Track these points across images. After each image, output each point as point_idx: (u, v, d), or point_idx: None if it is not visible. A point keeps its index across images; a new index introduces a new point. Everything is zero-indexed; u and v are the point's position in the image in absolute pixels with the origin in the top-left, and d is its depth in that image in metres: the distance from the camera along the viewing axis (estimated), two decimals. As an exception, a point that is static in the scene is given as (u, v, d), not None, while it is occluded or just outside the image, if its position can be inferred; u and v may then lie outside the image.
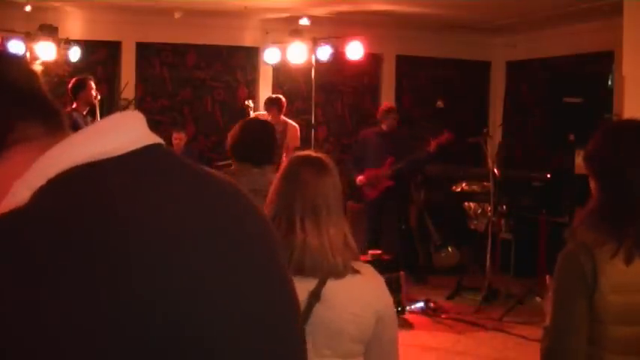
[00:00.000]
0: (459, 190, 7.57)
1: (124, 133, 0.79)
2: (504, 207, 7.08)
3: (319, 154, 2.18)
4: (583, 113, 7.73)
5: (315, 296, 1.95)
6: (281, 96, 7.26)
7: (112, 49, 8.71)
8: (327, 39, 8.16)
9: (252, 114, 7.56)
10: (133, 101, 8.55)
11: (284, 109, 7.20)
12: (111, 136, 0.78)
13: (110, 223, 0.69)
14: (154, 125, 0.85)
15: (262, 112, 7.32)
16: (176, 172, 0.81)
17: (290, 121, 7.50)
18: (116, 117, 0.82)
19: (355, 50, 8.17)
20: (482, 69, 10.29)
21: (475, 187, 7.56)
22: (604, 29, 7.52)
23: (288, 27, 8.50)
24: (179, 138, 7.88)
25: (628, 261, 1.93)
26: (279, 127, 6.56)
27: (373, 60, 9.42)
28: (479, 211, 7.48)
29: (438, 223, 7.76)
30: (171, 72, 9.03)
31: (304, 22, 8.34)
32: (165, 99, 8.99)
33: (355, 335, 1.99)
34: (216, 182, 0.85)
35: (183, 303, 0.69)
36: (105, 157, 0.75)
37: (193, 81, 9.10)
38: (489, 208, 6.75)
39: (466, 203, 7.56)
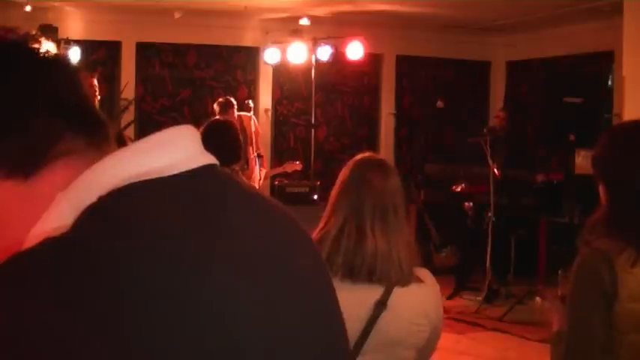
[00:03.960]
0: (459, 190, 7.56)
1: (180, 149, 0.75)
2: (504, 207, 7.07)
3: (380, 157, 2.15)
4: (583, 113, 7.72)
5: (382, 305, 1.91)
6: (229, 97, 7.23)
7: (112, 49, 8.71)
8: (327, 39, 8.16)
9: (251, 115, 7.54)
10: (133, 101, 8.56)
11: (235, 107, 7.18)
12: (167, 151, 0.74)
13: (181, 264, 0.65)
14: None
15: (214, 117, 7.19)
16: (234, 198, 0.77)
17: (244, 114, 7.45)
18: (171, 131, 0.76)
19: (355, 50, 8.17)
20: (482, 69, 10.29)
21: (475, 187, 7.54)
22: (604, 29, 7.52)
23: (288, 27, 8.50)
24: None
25: None
26: (240, 124, 6.63)
27: (373, 60, 9.42)
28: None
29: (438, 223, 7.75)
30: (171, 72, 9.03)
31: (304, 22, 8.34)
32: (165, 99, 8.99)
33: (412, 343, 1.96)
34: (273, 211, 0.81)
35: (242, 347, 0.67)
36: (159, 175, 0.71)
37: (193, 81, 9.10)
38: (489, 208, 6.74)
39: (466, 203, 7.55)
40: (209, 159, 0.78)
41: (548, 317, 2.18)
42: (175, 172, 0.72)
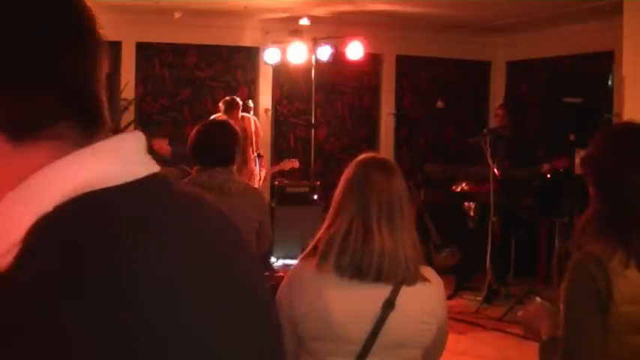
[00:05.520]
0: (458, 190, 7.56)
1: (130, 157, 0.77)
2: (504, 207, 7.07)
3: (383, 156, 2.15)
4: (583, 113, 7.73)
5: (390, 305, 1.91)
6: (235, 97, 7.24)
7: (112, 49, 8.65)
8: (327, 39, 8.16)
9: (251, 116, 7.54)
10: (133, 101, 8.56)
11: (240, 108, 7.19)
12: (120, 159, 0.75)
13: (152, 288, 0.67)
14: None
15: (218, 115, 7.15)
16: (179, 206, 0.80)
17: (246, 115, 7.45)
18: (121, 138, 0.78)
19: (355, 50, 8.18)
20: (482, 69, 10.29)
21: (475, 187, 7.54)
22: (604, 29, 7.52)
23: (288, 27, 8.50)
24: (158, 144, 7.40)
25: None
26: (241, 125, 6.63)
27: (373, 60, 9.42)
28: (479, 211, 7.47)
29: (438, 223, 7.75)
30: (171, 72, 9.03)
31: (304, 22, 8.34)
32: (165, 99, 8.99)
33: (419, 342, 1.97)
34: (212, 216, 0.85)
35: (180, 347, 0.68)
36: (113, 183, 0.72)
37: (193, 81, 9.10)
38: (489, 208, 6.74)
39: (466, 203, 7.55)
40: (154, 166, 0.79)
41: (534, 321, 2.16)
42: (122, 181, 0.73)
